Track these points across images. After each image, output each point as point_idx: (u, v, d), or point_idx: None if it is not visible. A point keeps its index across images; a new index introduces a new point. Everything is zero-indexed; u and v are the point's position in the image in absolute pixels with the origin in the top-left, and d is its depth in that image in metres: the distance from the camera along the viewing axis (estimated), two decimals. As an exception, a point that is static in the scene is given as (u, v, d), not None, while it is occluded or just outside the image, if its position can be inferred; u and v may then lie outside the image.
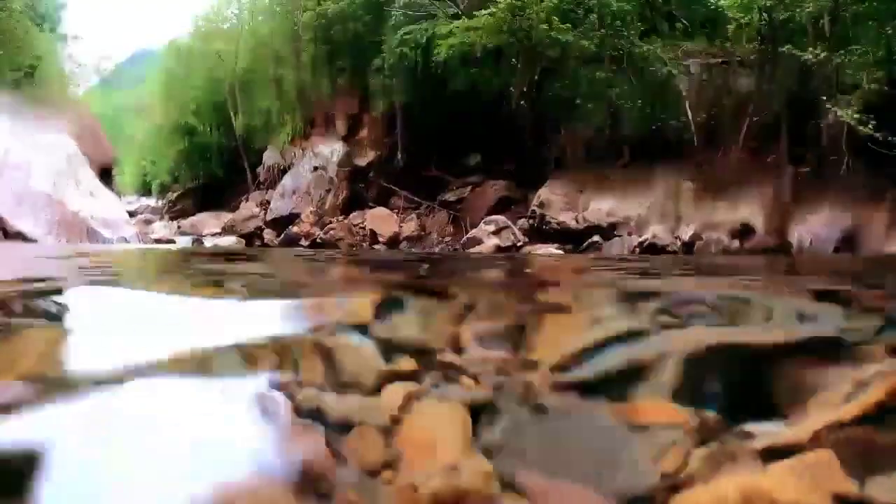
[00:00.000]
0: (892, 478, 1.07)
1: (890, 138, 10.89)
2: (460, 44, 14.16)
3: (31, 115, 14.90)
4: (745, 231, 11.11)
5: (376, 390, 1.43)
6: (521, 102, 14.17)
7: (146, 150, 35.29)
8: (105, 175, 18.84)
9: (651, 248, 11.36)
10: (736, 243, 10.98)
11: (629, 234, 12.06)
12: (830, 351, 1.58)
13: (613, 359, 1.57)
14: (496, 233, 13.27)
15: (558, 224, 12.81)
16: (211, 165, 25.36)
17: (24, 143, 12.84)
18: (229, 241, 15.54)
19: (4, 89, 21.28)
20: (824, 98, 12.31)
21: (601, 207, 12.71)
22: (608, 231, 12.36)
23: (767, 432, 1.21)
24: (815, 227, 10.53)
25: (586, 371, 1.55)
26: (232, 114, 23.24)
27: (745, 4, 13.77)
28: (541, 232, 13.09)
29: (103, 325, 1.85)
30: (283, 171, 18.01)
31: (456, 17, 15.37)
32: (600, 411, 1.39)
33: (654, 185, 13.45)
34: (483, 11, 14.05)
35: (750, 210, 12.00)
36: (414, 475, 1.13)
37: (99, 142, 19.96)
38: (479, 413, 1.33)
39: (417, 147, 16.88)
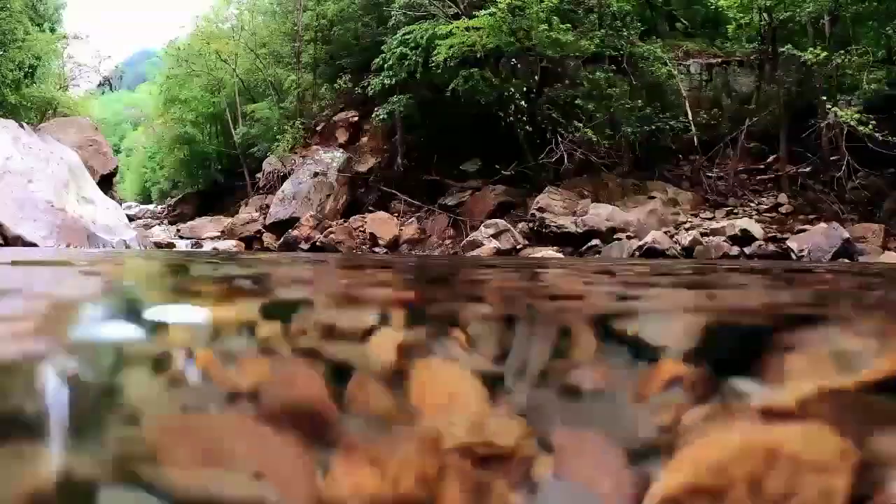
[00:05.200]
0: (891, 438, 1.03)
1: (890, 138, 10.87)
2: (460, 44, 14.10)
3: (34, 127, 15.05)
4: (744, 237, 11.09)
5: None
6: (522, 103, 14.12)
7: (146, 159, 35.51)
8: (106, 182, 18.90)
9: (650, 253, 11.36)
10: (735, 249, 10.97)
11: (628, 238, 12.05)
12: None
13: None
14: (496, 236, 13.28)
15: (558, 228, 12.81)
16: (210, 172, 25.46)
17: (26, 155, 12.88)
18: (228, 244, 15.58)
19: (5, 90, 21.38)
20: (824, 98, 12.29)
21: (600, 212, 12.70)
22: (607, 235, 12.36)
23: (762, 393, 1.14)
24: (814, 235, 10.52)
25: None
26: (231, 125, 23.27)
27: (745, 4, 13.73)
28: (540, 235, 13.10)
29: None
30: (283, 178, 18.02)
31: (456, 17, 15.32)
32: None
33: (654, 191, 13.46)
34: (483, 11, 14.00)
35: (749, 217, 12.00)
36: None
37: (100, 152, 20.01)
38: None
39: (417, 153, 16.90)
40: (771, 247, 10.87)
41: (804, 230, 11.06)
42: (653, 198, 13.31)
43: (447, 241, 14.80)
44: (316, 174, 17.13)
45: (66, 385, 0.94)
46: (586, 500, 0.92)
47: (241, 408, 1.01)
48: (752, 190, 13.43)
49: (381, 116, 16.32)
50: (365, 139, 18.36)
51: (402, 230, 15.51)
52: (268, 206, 17.68)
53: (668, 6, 17.66)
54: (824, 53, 12.03)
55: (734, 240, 11.19)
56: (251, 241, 16.62)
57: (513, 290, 2.66)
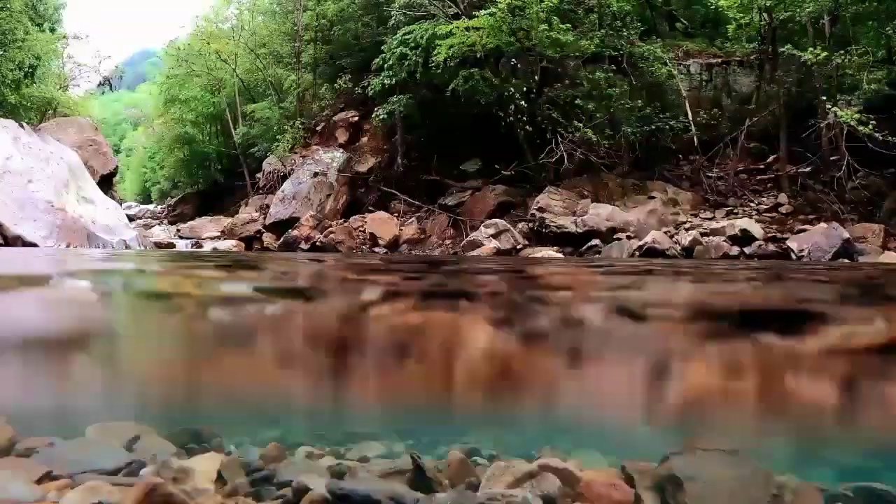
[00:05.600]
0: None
1: (890, 138, 10.87)
2: (460, 44, 14.10)
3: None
4: (744, 237, 11.09)
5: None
6: (522, 103, 14.12)
7: (146, 159, 35.59)
8: (106, 181, 18.90)
9: (650, 253, 11.36)
10: (735, 249, 10.97)
11: (628, 238, 12.05)
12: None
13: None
14: (496, 236, 13.27)
15: (558, 228, 12.81)
16: (210, 172, 25.48)
17: (26, 155, 12.89)
18: (228, 244, 15.57)
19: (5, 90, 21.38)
20: (824, 98, 12.28)
21: (600, 212, 12.70)
22: (607, 235, 12.35)
23: None
24: (814, 235, 10.51)
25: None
26: (231, 125, 23.26)
27: (745, 4, 13.73)
28: (540, 235, 13.10)
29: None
30: (283, 177, 18.03)
31: (456, 17, 15.31)
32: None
33: (654, 191, 13.46)
34: (483, 11, 13.99)
35: (749, 217, 12.00)
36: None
37: (100, 152, 20.00)
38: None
39: (417, 153, 16.90)
40: (771, 247, 10.87)
41: (804, 230, 11.06)
42: (653, 198, 13.31)
43: (447, 241, 14.80)
44: (316, 174, 17.13)
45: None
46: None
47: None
48: (752, 190, 13.42)
49: (381, 116, 16.30)
50: (365, 139, 18.36)
51: (402, 230, 15.51)
52: (268, 206, 17.68)
53: (668, 6, 17.65)
54: (824, 53, 12.03)
55: (734, 240, 11.19)
56: (251, 241, 16.61)
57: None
